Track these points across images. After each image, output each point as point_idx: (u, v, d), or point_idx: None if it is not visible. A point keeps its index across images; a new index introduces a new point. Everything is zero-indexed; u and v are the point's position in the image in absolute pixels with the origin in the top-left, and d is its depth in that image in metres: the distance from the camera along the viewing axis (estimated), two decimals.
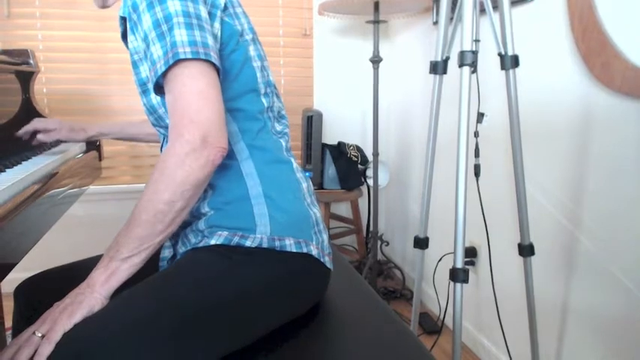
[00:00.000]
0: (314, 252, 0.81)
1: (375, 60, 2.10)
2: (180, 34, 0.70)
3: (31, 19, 2.11)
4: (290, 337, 0.80)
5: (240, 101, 0.81)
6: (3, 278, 0.70)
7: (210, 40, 0.73)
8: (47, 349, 0.63)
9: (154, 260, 0.90)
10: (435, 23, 1.98)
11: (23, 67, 1.38)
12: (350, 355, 0.77)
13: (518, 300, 1.48)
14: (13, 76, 1.35)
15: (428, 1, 1.93)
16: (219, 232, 0.78)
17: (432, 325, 1.92)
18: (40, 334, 0.65)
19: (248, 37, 0.84)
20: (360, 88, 2.53)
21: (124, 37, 0.86)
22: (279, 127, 0.89)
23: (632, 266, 1.12)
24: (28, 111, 1.40)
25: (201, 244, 0.78)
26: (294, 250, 0.79)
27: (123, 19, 0.82)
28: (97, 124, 1.32)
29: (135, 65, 0.81)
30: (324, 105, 2.49)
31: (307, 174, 0.90)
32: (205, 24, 0.73)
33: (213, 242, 0.77)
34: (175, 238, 0.88)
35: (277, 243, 0.78)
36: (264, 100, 0.85)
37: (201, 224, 0.81)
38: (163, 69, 0.70)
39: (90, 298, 0.69)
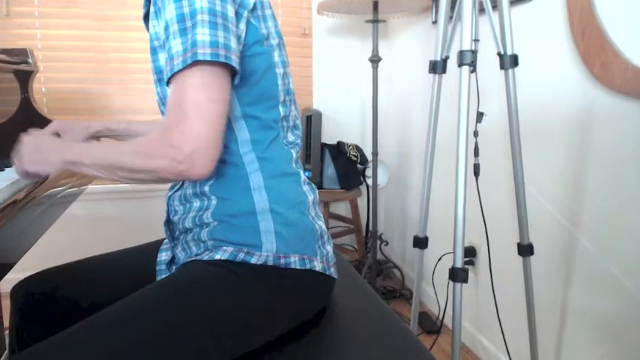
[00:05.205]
0: (318, 267, 0.81)
1: (375, 59, 2.10)
2: (203, 33, 0.67)
3: (30, 18, 2.11)
4: (289, 337, 0.80)
5: (257, 108, 0.78)
6: (2, 278, 0.70)
7: (233, 43, 0.70)
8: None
9: (150, 262, 0.90)
10: (435, 23, 1.98)
11: (22, 67, 1.38)
12: (349, 354, 0.77)
13: (517, 299, 1.48)
14: (11, 75, 1.35)
15: (427, 0, 1.93)
16: (225, 248, 0.77)
17: (431, 325, 1.92)
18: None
19: (274, 41, 0.81)
20: (359, 88, 2.53)
21: (147, 18, 0.84)
22: (291, 138, 0.86)
23: (631, 266, 1.12)
24: (27, 110, 1.39)
25: (205, 257, 0.77)
26: (298, 267, 0.78)
27: (148, 1, 0.79)
28: (101, 120, 1.25)
29: (154, 51, 0.78)
30: (323, 104, 2.49)
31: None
32: (231, 24, 0.70)
33: (218, 257, 0.76)
34: (174, 241, 0.87)
35: (282, 261, 0.77)
36: (281, 109, 0.82)
37: (204, 234, 0.80)
38: (180, 67, 0.67)
39: (50, 165, 0.79)
